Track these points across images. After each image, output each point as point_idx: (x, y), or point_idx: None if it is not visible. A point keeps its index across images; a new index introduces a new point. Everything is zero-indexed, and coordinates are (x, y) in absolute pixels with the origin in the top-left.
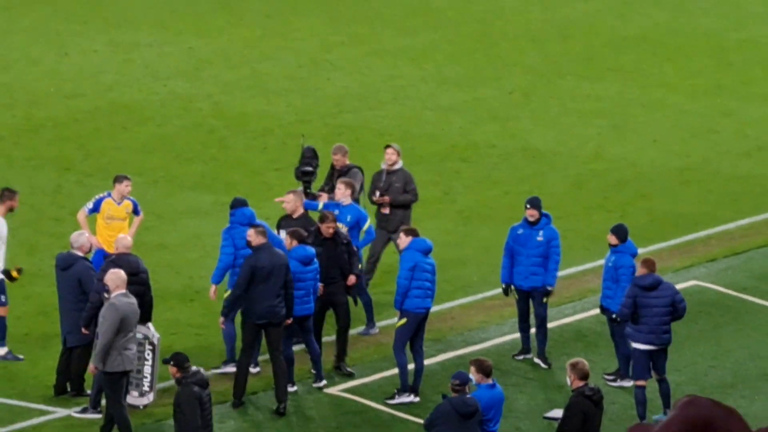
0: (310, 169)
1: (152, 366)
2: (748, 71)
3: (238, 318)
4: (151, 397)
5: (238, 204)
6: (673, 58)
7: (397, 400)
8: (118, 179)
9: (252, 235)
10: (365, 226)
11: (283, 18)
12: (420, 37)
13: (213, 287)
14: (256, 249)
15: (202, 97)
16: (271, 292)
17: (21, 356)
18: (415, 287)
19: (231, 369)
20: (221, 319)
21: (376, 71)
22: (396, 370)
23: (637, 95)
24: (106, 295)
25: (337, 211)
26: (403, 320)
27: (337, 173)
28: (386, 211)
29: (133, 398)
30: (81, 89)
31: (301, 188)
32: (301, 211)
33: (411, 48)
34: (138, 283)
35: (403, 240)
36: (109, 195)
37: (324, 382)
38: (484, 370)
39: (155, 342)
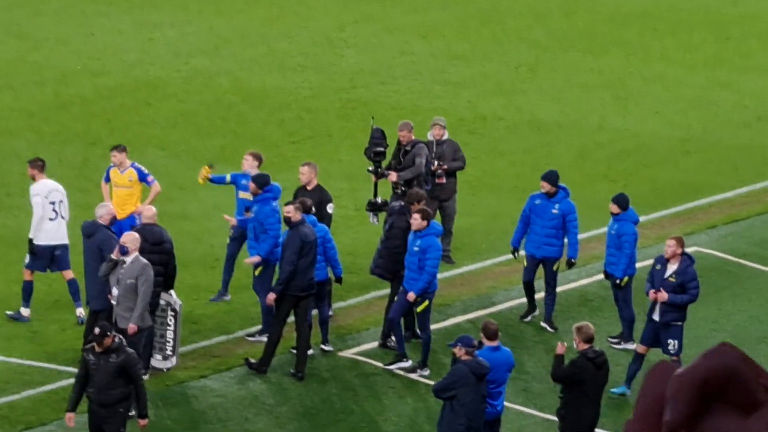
0: (381, 149)
1: (174, 331)
2: (747, 44)
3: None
4: (174, 360)
5: (268, 180)
6: (673, 32)
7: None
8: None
9: (292, 211)
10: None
11: None
12: (429, 15)
13: (258, 258)
14: (299, 224)
15: (221, 74)
16: (312, 264)
17: (26, 317)
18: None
19: (264, 338)
20: (272, 296)
21: (388, 48)
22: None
23: (639, 68)
24: (124, 257)
25: (245, 181)
26: (425, 303)
27: (403, 149)
28: (442, 180)
29: (156, 362)
30: (107, 67)
31: (372, 168)
32: (315, 182)
33: (421, 25)
34: (162, 252)
35: (420, 223)
36: (114, 164)
37: (330, 347)
38: (487, 332)
39: (177, 308)
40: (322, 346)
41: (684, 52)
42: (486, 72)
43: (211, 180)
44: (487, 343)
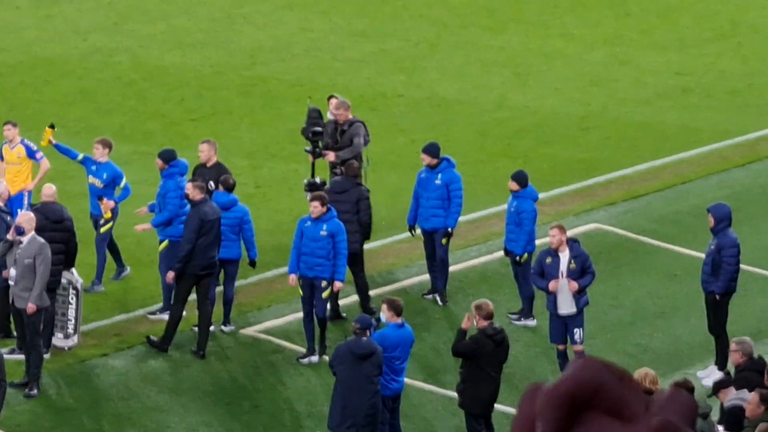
0: (319, 129)
1: (76, 310)
2: (646, 21)
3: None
4: (76, 339)
5: (173, 156)
6: (573, 9)
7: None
8: None
9: (190, 189)
10: (122, 183)
11: None
12: None
13: (149, 226)
14: (200, 202)
15: (120, 51)
16: (213, 243)
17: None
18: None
19: (165, 316)
20: (171, 274)
21: (288, 24)
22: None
23: (539, 45)
24: (20, 237)
25: (94, 167)
26: (330, 289)
27: (340, 128)
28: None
29: (58, 340)
30: (4, 44)
31: (309, 148)
32: (214, 160)
33: (321, 2)
34: (63, 230)
35: (320, 209)
36: (6, 141)
37: (231, 327)
38: (395, 309)
39: (78, 287)
40: (222, 327)
41: (583, 28)
42: (386, 49)
43: (57, 147)
44: (394, 320)
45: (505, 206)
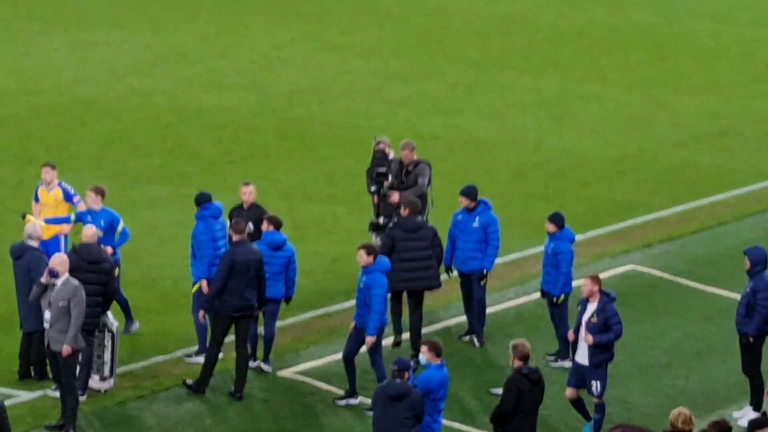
0: (383, 170)
1: (111, 352)
2: (681, 64)
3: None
4: (111, 382)
5: (207, 199)
6: (609, 52)
7: (346, 401)
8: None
9: (231, 231)
10: (119, 227)
11: (236, 16)
12: (367, 34)
13: (205, 282)
14: (235, 244)
15: (158, 93)
16: (247, 285)
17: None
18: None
19: (201, 359)
20: (201, 312)
21: (325, 67)
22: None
23: (575, 88)
24: (54, 280)
25: (90, 217)
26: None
27: (405, 169)
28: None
29: (95, 382)
30: (42, 86)
31: (374, 187)
32: (253, 201)
33: (358, 44)
34: (99, 272)
35: (366, 259)
36: (42, 183)
37: (269, 367)
38: (436, 350)
39: (114, 330)
40: (262, 364)
41: (620, 71)
42: (423, 91)
43: (45, 222)
44: (434, 361)
45: (542, 248)
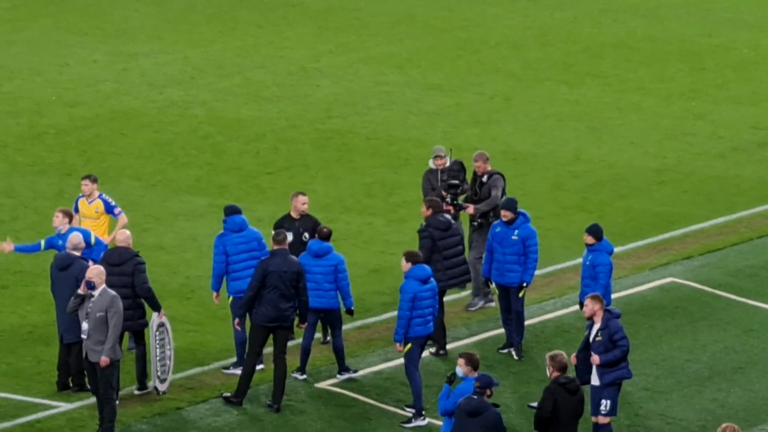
0: (456, 182)
1: (170, 350)
2: (721, 75)
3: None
4: (167, 385)
5: (230, 212)
6: (648, 63)
7: (414, 423)
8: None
9: (272, 240)
10: (92, 240)
11: (274, 28)
12: (405, 45)
13: (214, 294)
14: (272, 253)
15: (196, 104)
16: (283, 296)
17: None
18: (416, 316)
19: (239, 371)
20: (236, 320)
21: (363, 78)
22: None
23: (614, 99)
24: (91, 291)
25: (61, 242)
26: (408, 346)
27: (479, 180)
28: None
29: (154, 383)
30: (81, 97)
31: (448, 198)
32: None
33: (396, 55)
34: (120, 274)
35: (405, 265)
36: (83, 195)
37: (348, 374)
38: (473, 364)
39: (167, 327)
40: (339, 375)
41: (659, 82)
42: (461, 102)
43: (17, 250)
44: (471, 374)
45: (580, 259)
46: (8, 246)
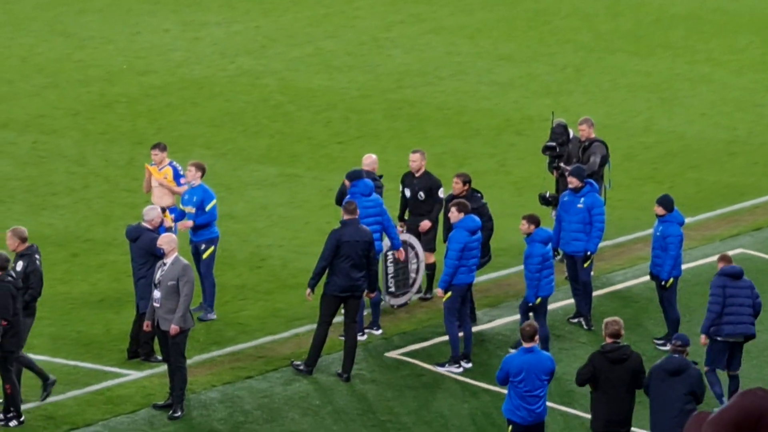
0: (551, 144)
1: (416, 272)
2: None
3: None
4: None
5: (358, 176)
6: (719, 34)
7: (447, 368)
8: None
9: (342, 210)
10: (209, 206)
11: None
12: (476, 15)
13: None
14: (343, 223)
15: (268, 74)
16: (354, 266)
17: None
18: (461, 265)
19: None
20: (308, 290)
21: (435, 48)
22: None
23: (685, 70)
24: (163, 259)
25: (186, 196)
26: (449, 294)
27: (582, 145)
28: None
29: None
30: (152, 66)
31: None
32: (423, 169)
33: (468, 26)
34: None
35: (455, 215)
36: (153, 163)
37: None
38: (524, 334)
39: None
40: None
41: (730, 54)
42: (532, 73)
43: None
44: (525, 345)
45: (649, 231)
46: (188, 223)
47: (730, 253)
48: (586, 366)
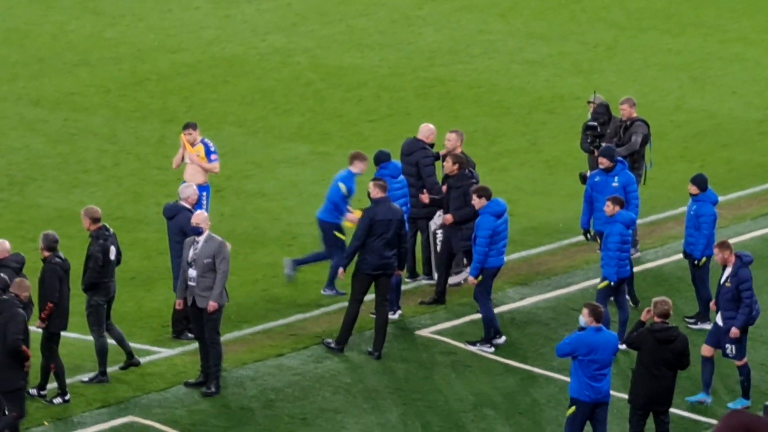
0: (594, 123)
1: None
2: None
3: None
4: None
5: (387, 158)
6: (751, 13)
7: (479, 347)
8: None
9: (371, 188)
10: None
11: None
12: None
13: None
14: (375, 202)
15: (299, 52)
16: (387, 244)
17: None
18: (491, 249)
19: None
20: (340, 270)
21: (466, 26)
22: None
23: (717, 49)
24: (197, 237)
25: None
26: (480, 277)
27: (624, 125)
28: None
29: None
30: (183, 44)
31: (588, 140)
32: (459, 150)
33: (499, 3)
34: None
35: (477, 202)
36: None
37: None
38: (596, 315)
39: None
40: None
41: (762, 32)
42: (564, 51)
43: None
44: (593, 325)
45: (681, 209)
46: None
47: (761, 232)
48: (636, 337)
